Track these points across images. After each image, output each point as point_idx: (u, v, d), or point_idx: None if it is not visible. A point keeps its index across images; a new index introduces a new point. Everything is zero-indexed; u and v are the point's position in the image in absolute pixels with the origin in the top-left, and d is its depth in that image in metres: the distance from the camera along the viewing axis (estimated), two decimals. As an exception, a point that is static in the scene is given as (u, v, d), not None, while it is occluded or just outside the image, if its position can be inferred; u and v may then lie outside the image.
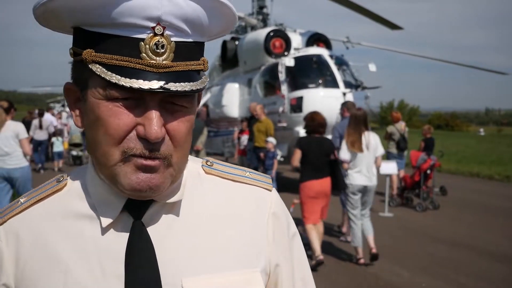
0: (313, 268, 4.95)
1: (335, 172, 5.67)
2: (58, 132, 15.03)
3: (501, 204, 10.23)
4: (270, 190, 0.91)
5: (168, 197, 0.81)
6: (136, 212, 0.80)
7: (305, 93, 10.64)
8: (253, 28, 14.35)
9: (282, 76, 11.13)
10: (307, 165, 5.60)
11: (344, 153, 5.73)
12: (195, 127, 1.06)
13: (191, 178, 0.87)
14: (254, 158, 9.37)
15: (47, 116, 16.03)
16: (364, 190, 5.80)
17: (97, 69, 0.71)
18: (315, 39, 12.61)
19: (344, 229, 7.21)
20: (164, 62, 0.71)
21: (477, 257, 6.21)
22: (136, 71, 0.70)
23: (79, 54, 0.74)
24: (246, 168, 0.94)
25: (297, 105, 10.66)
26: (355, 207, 5.78)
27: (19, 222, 0.82)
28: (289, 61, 10.93)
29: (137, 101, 0.72)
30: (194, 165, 0.89)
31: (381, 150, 5.94)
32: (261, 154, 9.13)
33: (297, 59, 11.05)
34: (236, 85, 13.42)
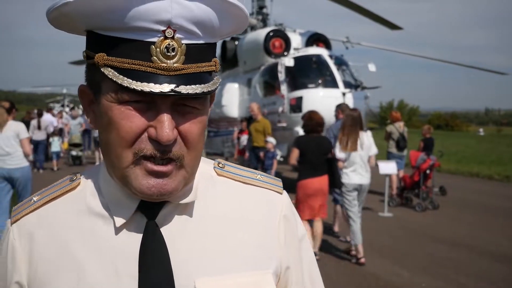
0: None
1: (332, 170, 5.76)
2: (57, 132, 15.02)
3: (501, 204, 10.23)
4: (281, 193, 0.93)
5: (181, 198, 0.82)
6: (149, 212, 0.80)
7: (304, 93, 10.64)
8: (253, 28, 14.35)
9: (281, 76, 11.13)
10: (306, 163, 5.68)
11: (339, 153, 5.86)
12: None
13: (203, 180, 0.87)
14: (253, 158, 9.37)
15: (47, 117, 16.04)
16: (359, 189, 5.95)
17: (109, 72, 0.71)
18: (314, 39, 12.61)
19: (335, 228, 7.22)
20: (175, 65, 0.71)
21: (477, 257, 6.21)
22: (148, 75, 0.70)
23: (91, 58, 0.75)
24: (257, 171, 0.95)
25: (296, 105, 10.66)
26: (353, 205, 5.88)
27: (33, 221, 0.83)
28: (288, 61, 10.93)
29: (149, 104, 0.73)
30: (206, 167, 0.90)
31: (374, 150, 6.09)
32: (261, 154, 9.13)
33: (296, 59, 11.05)
34: (236, 85, 13.42)
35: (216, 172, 0.91)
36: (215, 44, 0.79)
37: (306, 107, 9.98)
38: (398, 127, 10.13)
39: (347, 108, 7.16)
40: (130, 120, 0.73)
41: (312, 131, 5.82)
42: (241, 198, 0.88)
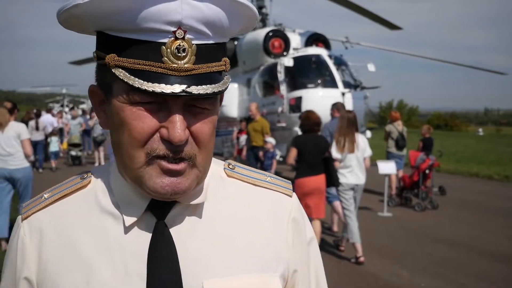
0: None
1: (329, 169, 5.86)
2: (56, 132, 15.02)
3: (500, 204, 10.23)
4: (291, 196, 0.93)
5: (191, 199, 0.82)
6: (159, 212, 0.81)
7: (304, 93, 10.64)
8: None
9: (281, 76, 11.13)
10: (303, 163, 5.77)
11: (335, 153, 6.00)
12: None
13: (213, 181, 0.87)
14: (252, 158, 9.37)
15: (47, 117, 16.03)
16: (355, 189, 6.10)
17: (120, 73, 0.72)
18: (314, 39, 12.63)
19: (335, 228, 7.23)
20: (185, 65, 0.72)
21: (476, 257, 6.21)
22: (159, 75, 0.71)
23: (102, 58, 0.75)
24: (267, 173, 0.95)
25: (296, 105, 10.66)
26: (350, 204, 6.01)
27: (43, 218, 0.83)
28: (288, 61, 10.93)
29: (160, 105, 0.73)
30: (216, 168, 0.90)
31: (369, 152, 6.26)
32: (260, 153, 9.14)
33: (296, 59, 11.06)
34: (235, 85, 13.43)
35: (226, 173, 0.91)
36: (224, 43, 0.80)
37: (306, 107, 9.99)
38: (397, 126, 10.15)
39: (343, 107, 7.28)
40: (142, 120, 0.73)
41: (309, 130, 5.91)
42: (251, 200, 0.89)
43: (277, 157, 9.96)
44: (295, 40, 12.63)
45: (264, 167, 8.85)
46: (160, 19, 0.70)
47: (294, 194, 0.94)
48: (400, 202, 9.71)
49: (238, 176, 0.91)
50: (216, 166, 0.90)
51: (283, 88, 11.02)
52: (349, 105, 10.42)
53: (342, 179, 5.97)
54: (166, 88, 0.70)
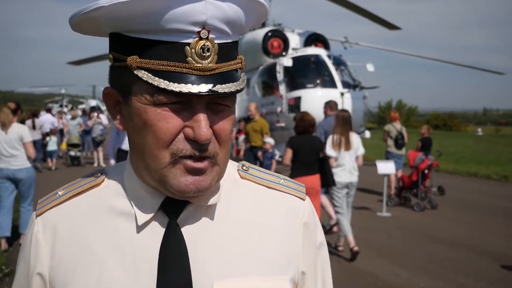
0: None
1: (325, 168, 5.96)
2: (53, 132, 15.00)
3: (499, 204, 10.25)
4: (304, 199, 0.92)
5: (206, 200, 0.82)
6: (172, 212, 0.81)
7: (303, 93, 10.65)
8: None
9: (280, 76, 11.15)
10: (298, 163, 5.89)
11: (330, 151, 6.14)
12: None
13: (227, 182, 0.87)
14: (252, 158, 9.37)
15: (47, 117, 16.01)
16: (349, 186, 6.23)
17: (143, 75, 0.72)
18: (313, 39, 12.64)
19: (335, 228, 7.25)
20: (209, 65, 0.72)
21: (475, 257, 6.22)
22: (183, 76, 0.71)
23: (120, 60, 0.75)
24: (280, 175, 0.94)
25: (295, 105, 10.68)
26: (342, 201, 6.18)
27: (57, 215, 0.84)
28: (287, 61, 10.94)
29: (184, 105, 0.74)
30: (230, 169, 0.90)
31: (362, 150, 6.36)
32: (259, 154, 9.14)
33: (295, 59, 11.07)
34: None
35: (239, 174, 0.91)
36: (238, 41, 0.81)
37: (305, 107, 10.01)
38: (395, 126, 10.19)
39: (335, 105, 7.41)
40: (167, 121, 0.73)
41: (304, 131, 6.04)
42: (263, 202, 0.88)
43: (276, 157, 9.97)
44: (294, 40, 12.64)
45: (264, 168, 8.85)
46: (185, 20, 0.70)
47: (307, 198, 0.93)
48: (399, 202, 9.71)
49: (252, 178, 0.91)
50: (230, 167, 0.90)
51: (282, 88, 11.03)
52: (348, 105, 10.43)
53: (336, 178, 6.09)
54: (193, 88, 0.70)
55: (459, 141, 33.03)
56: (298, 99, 10.67)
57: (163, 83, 0.70)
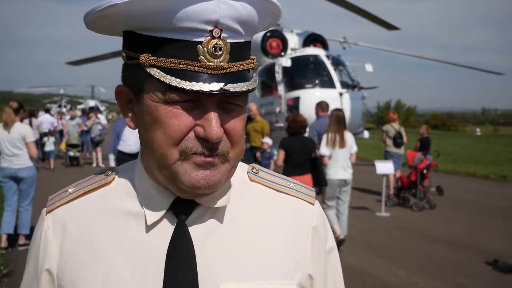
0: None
1: (317, 169, 6.07)
2: (51, 133, 14.98)
3: (497, 204, 10.26)
4: (313, 204, 0.92)
5: (214, 202, 0.82)
6: (181, 212, 0.81)
7: (301, 93, 10.66)
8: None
9: (279, 76, 11.15)
10: (290, 163, 6.00)
11: (324, 149, 6.28)
12: None
13: (237, 185, 0.87)
14: (251, 158, 9.38)
15: (45, 117, 15.99)
16: (342, 184, 6.38)
17: (156, 72, 0.72)
18: (311, 39, 12.63)
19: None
20: (221, 64, 0.72)
21: (474, 257, 6.22)
22: (195, 74, 0.71)
23: (132, 58, 0.76)
24: (290, 179, 0.94)
25: (294, 105, 10.68)
26: (333, 197, 6.38)
27: (67, 212, 0.85)
28: (286, 61, 10.94)
29: (195, 103, 0.74)
30: (240, 171, 0.89)
31: (355, 148, 6.52)
32: (257, 154, 9.15)
33: (294, 59, 11.07)
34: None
35: (249, 177, 0.91)
36: (251, 41, 0.81)
37: (303, 107, 10.01)
38: (394, 125, 10.25)
39: (326, 105, 7.49)
40: (178, 119, 0.73)
41: (296, 132, 6.14)
42: (272, 206, 0.88)
43: (275, 157, 9.96)
44: (293, 40, 12.63)
45: (261, 168, 8.85)
46: (198, 18, 0.70)
47: (316, 202, 0.93)
48: (398, 202, 9.72)
49: (261, 180, 0.91)
50: (240, 169, 0.90)
51: (281, 89, 11.04)
52: (346, 105, 10.44)
53: (329, 175, 6.25)
54: (204, 87, 0.71)
55: (458, 141, 33.07)
56: (297, 99, 10.68)
57: (175, 81, 0.71)
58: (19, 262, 5.50)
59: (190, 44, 0.71)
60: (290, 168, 5.91)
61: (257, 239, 0.84)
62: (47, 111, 18.70)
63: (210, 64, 0.72)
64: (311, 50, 11.70)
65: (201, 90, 0.70)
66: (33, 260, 0.86)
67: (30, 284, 0.86)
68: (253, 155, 9.35)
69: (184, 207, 0.81)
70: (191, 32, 0.71)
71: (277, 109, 10.98)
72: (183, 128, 0.73)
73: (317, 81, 10.79)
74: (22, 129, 6.05)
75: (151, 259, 0.79)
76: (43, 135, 14.33)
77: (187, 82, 0.71)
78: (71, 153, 15.27)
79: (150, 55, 0.73)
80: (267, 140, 8.93)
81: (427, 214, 9.00)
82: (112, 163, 7.30)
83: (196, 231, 0.81)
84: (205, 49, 0.71)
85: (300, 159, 5.97)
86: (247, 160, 9.53)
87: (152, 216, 0.81)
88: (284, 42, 12.05)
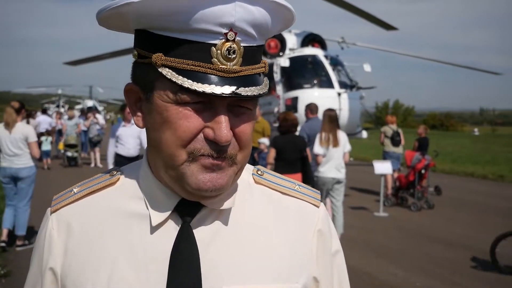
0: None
1: (305, 168, 6.16)
2: (49, 133, 14.96)
3: (495, 204, 10.28)
4: (318, 206, 0.92)
5: (220, 204, 0.82)
6: (186, 214, 0.81)
7: (300, 93, 10.67)
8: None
9: (277, 76, 11.15)
10: (281, 161, 6.09)
11: (318, 148, 6.40)
12: None
13: (241, 187, 0.87)
14: (251, 159, 9.38)
15: (43, 118, 15.96)
16: (334, 182, 6.46)
17: (167, 73, 0.71)
18: (310, 39, 12.63)
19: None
20: (233, 67, 0.72)
21: (472, 257, 6.23)
22: (207, 76, 0.71)
23: (144, 56, 0.75)
24: (296, 181, 0.94)
25: (292, 105, 10.68)
26: (324, 196, 6.47)
27: (71, 212, 0.85)
28: (284, 61, 10.95)
29: (205, 105, 0.73)
30: (245, 173, 0.89)
31: (348, 147, 6.61)
32: (255, 154, 9.16)
33: (292, 59, 11.08)
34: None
35: (254, 179, 0.90)
36: (263, 45, 0.80)
37: (302, 107, 10.00)
38: (391, 126, 10.33)
39: (316, 107, 7.58)
40: (188, 120, 0.73)
41: (287, 131, 6.21)
42: (277, 208, 0.88)
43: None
44: (291, 40, 12.63)
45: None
46: (213, 21, 0.70)
47: (321, 205, 0.92)
48: (396, 202, 9.74)
49: (266, 183, 0.90)
50: (245, 171, 0.89)
51: (279, 89, 11.04)
52: (345, 105, 10.46)
53: (322, 173, 6.37)
54: (216, 89, 0.70)
55: (456, 141, 33.12)
56: (295, 99, 10.68)
57: (187, 82, 0.70)
58: (17, 262, 5.50)
59: (204, 46, 0.71)
60: (281, 167, 5.97)
61: (262, 242, 0.83)
62: (44, 111, 18.66)
63: (223, 67, 0.71)
64: (310, 50, 11.71)
65: (213, 92, 0.70)
66: (37, 260, 0.86)
67: (34, 284, 0.86)
68: (252, 156, 9.36)
69: (189, 208, 0.81)
70: (205, 34, 0.71)
71: (276, 109, 10.98)
72: (193, 129, 0.73)
73: (315, 81, 10.80)
74: (24, 129, 6.05)
75: (155, 260, 0.78)
76: (40, 135, 14.31)
77: (199, 84, 0.70)
78: (69, 154, 15.23)
79: (162, 54, 0.72)
80: (264, 140, 8.94)
81: (425, 214, 9.02)
82: (110, 164, 7.22)
83: (201, 233, 0.80)
84: (218, 51, 0.71)
85: (291, 157, 6.07)
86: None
87: (157, 217, 0.80)
88: (282, 42, 12.04)
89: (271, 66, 11.41)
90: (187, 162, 0.74)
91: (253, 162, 9.23)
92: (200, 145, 0.74)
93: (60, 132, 16.95)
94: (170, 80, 0.71)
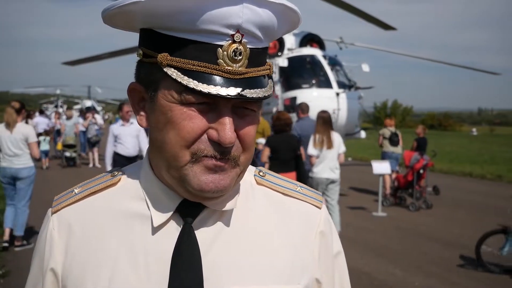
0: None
1: (299, 167, 6.21)
2: (47, 132, 14.93)
3: (493, 204, 10.29)
4: (320, 208, 0.92)
5: (222, 205, 0.82)
6: (187, 215, 0.81)
7: (298, 93, 10.67)
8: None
9: (275, 76, 11.14)
10: (276, 160, 6.14)
11: (312, 150, 6.47)
12: None
13: (243, 188, 0.87)
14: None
15: (40, 119, 15.92)
16: (328, 182, 6.52)
17: (173, 73, 0.71)
18: (308, 39, 12.63)
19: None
20: (239, 68, 0.72)
21: (470, 257, 6.24)
22: (212, 77, 0.71)
23: (149, 56, 0.75)
24: (297, 182, 0.94)
25: (290, 105, 10.68)
26: None
27: (72, 213, 0.85)
28: (282, 61, 10.95)
29: (210, 106, 0.73)
30: (247, 174, 0.88)
31: (343, 148, 6.69)
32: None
33: (290, 59, 11.08)
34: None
35: (256, 180, 0.90)
36: (268, 47, 0.80)
37: (301, 107, 10.00)
38: (390, 128, 10.43)
39: (307, 107, 7.61)
40: (192, 120, 0.73)
41: (281, 130, 6.26)
42: (279, 210, 0.88)
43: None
44: (290, 40, 12.63)
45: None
46: (221, 22, 0.69)
47: (323, 206, 0.93)
48: (394, 202, 9.75)
49: (268, 184, 0.90)
50: (247, 172, 0.88)
51: (277, 89, 11.04)
52: (343, 105, 10.47)
53: (316, 174, 6.41)
54: (222, 91, 0.70)
55: (454, 141, 33.17)
56: (293, 99, 10.68)
57: (192, 83, 0.70)
58: (15, 262, 5.50)
59: (210, 47, 0.71)
60: (275, 165, 6.01)
61: (263, 243, 0.83)
62: (42, 112, 18.62)
63: (229, 68, 0.71)
64: (308, 50, 11.72)
65: (218, 94, 0.70)
66: (38, 260, 0.86)
67: (35, 285, 0.86)
68: (251, 156, 9.38)
69: (191, 209, 0.80)
70: (212, 35, 0.70)
71: (274, 109, 10.98)
72: (197, 130, 0.73)
73: (314, 81, 10.81)
74: (25, 130, 6.05)
75: (157, 262, 0.78)
76: (38, 135, 14.30)
77: (205, 85, 0.70)
78: (67, 154, 15.22)
79: (168, 54, 0.72)
80: (261, 140, 8.95)
81: (424, 214, 9.03)
82: (108, 169, 7.19)
83: (202, 234, 0.80)
84: (225, 53, 0.71)
85: (285, 157, 6.12)
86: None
87: (159, 217, 0.80)
88: (281, 42, 12.04)
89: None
90: (190, 163, 0.74)
91: (253, 162, 9.24)
92: (204, 146, 0.73)
93: (58, 132, 16.93)
94: (175, 80, 0.71)
